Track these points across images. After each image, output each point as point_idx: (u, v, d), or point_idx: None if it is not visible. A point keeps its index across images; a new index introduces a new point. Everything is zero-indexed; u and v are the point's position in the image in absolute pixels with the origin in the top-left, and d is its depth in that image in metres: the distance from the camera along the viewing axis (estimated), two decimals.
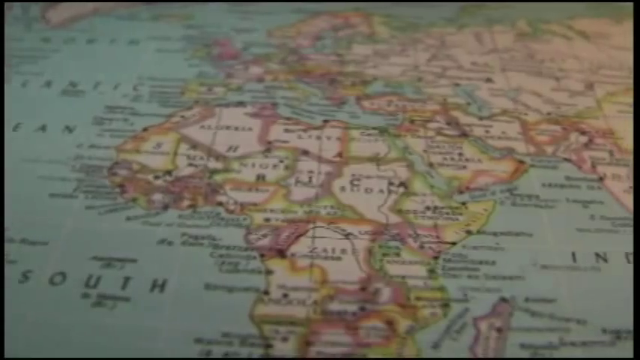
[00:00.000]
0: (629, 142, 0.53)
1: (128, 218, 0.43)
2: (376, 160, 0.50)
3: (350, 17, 0.69)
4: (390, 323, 0.39)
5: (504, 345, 0.39)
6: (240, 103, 0.54)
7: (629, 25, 0.70)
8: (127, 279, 0.41)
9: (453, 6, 0.72)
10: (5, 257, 0.40)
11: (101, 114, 0.50)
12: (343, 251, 0.43)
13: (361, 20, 0.69)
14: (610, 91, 0.60)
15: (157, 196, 0.44)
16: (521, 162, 0.51)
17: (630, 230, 0.46)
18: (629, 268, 0.43)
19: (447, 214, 0.46)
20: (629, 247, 0.44)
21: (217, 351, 0.37)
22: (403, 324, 0.39)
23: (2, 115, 0.52)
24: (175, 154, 0.50)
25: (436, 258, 0.43)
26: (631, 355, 0.38)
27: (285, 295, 0.40)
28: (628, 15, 0.72)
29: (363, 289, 0.41)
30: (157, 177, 0.45)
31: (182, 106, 0.52)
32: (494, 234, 0.45)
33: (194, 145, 0.51)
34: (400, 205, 0.46)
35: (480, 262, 0.43)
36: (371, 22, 0.69)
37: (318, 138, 0.52)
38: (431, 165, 0.50)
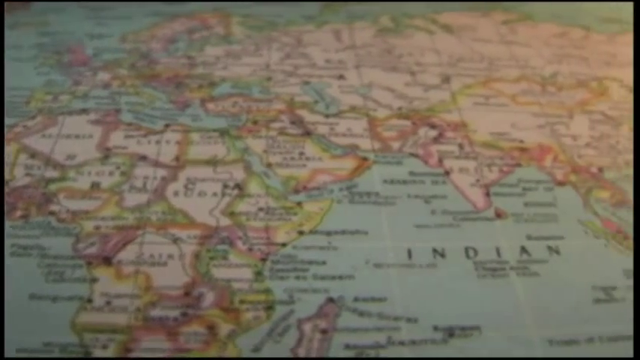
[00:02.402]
0: (480, 135, 0.56)
1: None
2: (213, 162, 0.51)
3: (207, 19, 0.70)
4: (211, 328, 0.40)
5: (329, 346, 0.40)
6: (84, 111, 0.54)
7: (497, 17, 0.73)
8: None
9: (315, 3, 0.73)
10: None
11: None
12: (170, 256, 0.44)
13: (218, 21, 0.70)
14: (467, 83, 0.62)
15: None
16: (365, 159, 0.52)
17: (472, 224, 0.48)
18: (468, 264, 0.45)
19: (281, 214, 0.47)
20: (470, 242, 0.47)
21: None
22: (225, 328, 0.40)
23: (2, 115, 0.53)
24: (14, 164, 0.50)
25: (264, 260, 0.44)
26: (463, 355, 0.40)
27: (108, 303, 0.41)
28: (496, 7, 0.74)
29: (186, 294, 0.42)
30: None
31: (26, 115, 0.53)
32: (328, 233, 0.46)
33: (33, 155, 0.51)
34: (233, 208, 0.47)
35: (310, 263, 0.44)
36: (228, 22, 0.70)
37: (158, 143, 0.52)
38: (269, 165, 0.50)
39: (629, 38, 0.72)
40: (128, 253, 0.44)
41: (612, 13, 0.77)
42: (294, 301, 0.42)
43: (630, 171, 0.54)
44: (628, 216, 0.50)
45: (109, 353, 0.38)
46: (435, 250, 0.46)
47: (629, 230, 0.49)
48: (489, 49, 0.68)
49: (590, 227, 0.49)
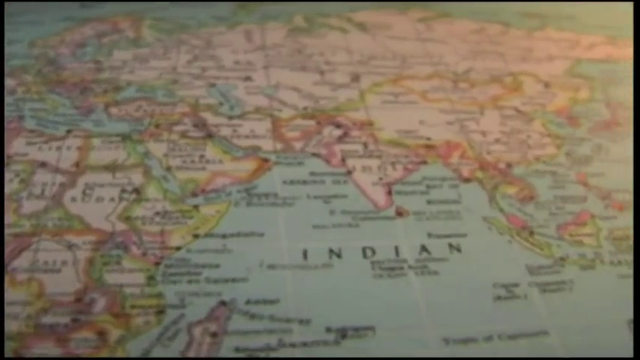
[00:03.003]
0: (387, 133, 0.56)
1: None
2: (113, 167, 0.51)
3: (119, 22, 0.70)
4: (101, 334, 0.40)
5: (218, 349, 0.40)
6: None
7: (414, 15, 0.74)
8: None
9: (230, 4, 0.74)
10: None
11: None
12: (64, 263, 0.44)
13: (129, 25, 0.70)
14: (376, 81, 0.62)
15: None
16: (266, 160, 0.53)
17: (371, 223, 0.49)
18: (365, 264, 0.46)
19: (177, 218, 0.47)
20: (368, 241, 0.47)
21: None
22: (115, 333, 0.40)
23: (2, 115, 0.53)
24: None
25: (158, 264, 0.44)
26: None
27: None
28: (413, 5, 0.75)
29: (78, 300, 0.42)
30: None
31: None
32: (224, 236, 0.47)
33: None
34: (129, 213, 0.47)
35: (203, 266, 0.45)
36: (139, 26, 0.70)
37: (59, 149, 0.52)
38: (168, 169, 0.51)
39: (548, 33, 0.73)
40: (22, 261, 0.44)
41: (532, 8, 0.78)
42: (185, 305, 0.42)
43: (539, 166, 0.55)
44: (534, 211, 0.51)
45: None
46: (331, 251, 0.46)
47: (535, 225, 0.50)
48: (403, 46, 0.69)
49: (495, 224, 0.50)
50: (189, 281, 0.44)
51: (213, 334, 0.40)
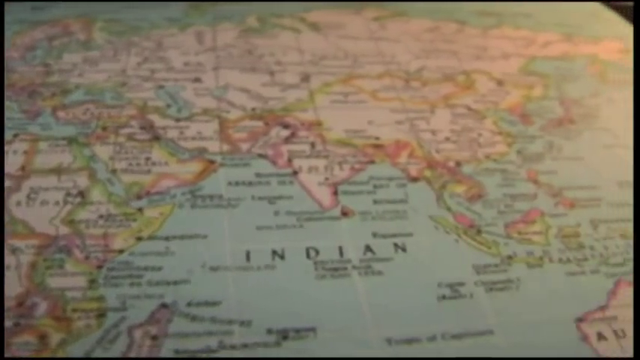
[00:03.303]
0: (335, 133, 0.57)
1: None
2: (58, 171, 0.51)
3: (70, 25, 0.70)
4: (42, 337, 0.40)
5: (158, 352, 0.40)
6: None
7: (369, 14, 0.75)
8: None
9: (182, 5, 0.75)
10: None
11: None
12: (7, 268, 0.44)
13: (81, 27, 0.70)
14: (327, 81, 0.63)
15: None
16: (212, 162, 0.53)
17: (316, 224, 0.49)
18: (308, 264, 0.47)
19: (121, 221, 0.48)
20: (312, 242, 0.48)
21: None
22: (56, 337, 0.40)
23: (2, 116, 0.53)
24: None
25: (100, 267, 0.44)
26: None
27: None
28: (369, 5, 0.76)
29: (19, 304, 0.42)
30: None
31: None
32: (167, 238, 0.47)
33: None
34: (73, 216, 0.48)
35: (146, 269, 0.45)
36: (90, 28, 0.70)
37: (5, 153, 0.52)
38: (114, 172, 0.51)
39: (504, 31, 0.74)
40: None
41: (488, 7, 0.78)
42: (126, 308, 0.42)
43: (489, 164, 0.55)
44: (483, 210, 0.52)
45: None
46: (274, 252, 0.47)
47: (483, 224, 0.51)
48: (356, 46, 0.69)
49: (442, 223, 0.50)
50: (131, 284, 0.44)
51: (154, 337, 0.41)
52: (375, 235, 0.49)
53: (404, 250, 0.48)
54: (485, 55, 0.70)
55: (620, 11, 0.81)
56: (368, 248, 0.48)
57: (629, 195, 0.55)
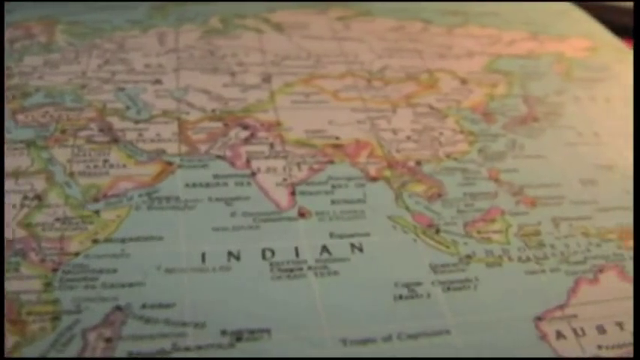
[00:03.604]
0: (294, 133, 0.58)
1: None
2: (16, 174, 0.51)
3: (31, 27, 0.70)
4: None
5: (112, 354, 0.41)
6: None
7: (333, 14, 0.76)
8: None
9: (146, 6, 0.75)
10: None
11: None
12: None
13: (42, 29, 0.70)
14: (288, 81, 0.63)
15: None
16: (169, 163, 0.53)
17: (273, 225, 0.50)
18: (264, 265, 0.47)
19: (77, 224, 0.48)
20: (268, 243, 0.48)
21: None
22: (11, 340, 0.41)
23: (2, 113, 0.53)
24: None
25: (56, 270, 0.45)
26: None
27: None
28: (334, 5, 0.77)
29: None
30: None
31: None
32: (122, 240, 0.47)
33: None
34: (30, 219, 0.48)
35: (100, 271, 0.45)
36: (52, 31, 0.70)
37: None
38: (71, 175, 0.51)
39: (469, 30, 0.75)
40: None
41: (455, 6, 0.78)
42: (80, 311, 0.42)
43: (449, 163, 0.56)
44: (442, 209, 0.53)
45: None
46: (230, 253, 0.47)
47: (442, 223, 0.52)
48: (319, 46, 0.70)
49: (400, 222, 0.51)
50: (86, 287, 0.44)
51: (108, 339, 0.41)
52: (332, 235, 0.50)
53: (361, 250, 0.49)
54: (450, 54, 0.71)
55: (590, 10, 0.81)
56: (324, 249, 0.49)
57: (591, 193, 0.56)
